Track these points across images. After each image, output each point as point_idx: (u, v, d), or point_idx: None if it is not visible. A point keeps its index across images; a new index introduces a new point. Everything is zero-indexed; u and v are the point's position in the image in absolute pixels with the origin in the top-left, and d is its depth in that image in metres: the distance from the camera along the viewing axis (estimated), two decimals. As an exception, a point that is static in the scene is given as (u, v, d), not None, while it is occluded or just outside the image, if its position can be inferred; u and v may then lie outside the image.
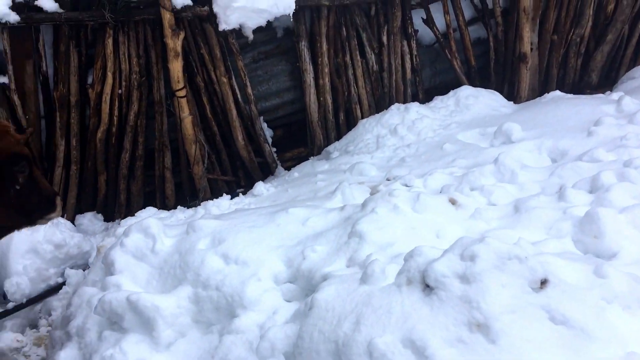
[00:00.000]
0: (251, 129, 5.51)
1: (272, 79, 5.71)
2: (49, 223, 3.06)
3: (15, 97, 4.76)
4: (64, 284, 4.16)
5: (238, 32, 5.08)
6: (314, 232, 3.37)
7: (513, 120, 4.95)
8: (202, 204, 4.53)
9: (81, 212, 5.25)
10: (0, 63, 4.70)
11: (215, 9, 4.69)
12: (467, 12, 6.30)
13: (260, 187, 4.65)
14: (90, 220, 5.11)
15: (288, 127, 6.05)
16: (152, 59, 4.96)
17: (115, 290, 3.23)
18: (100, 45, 4.80)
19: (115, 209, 5.28)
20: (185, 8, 4.73)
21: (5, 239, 4.06)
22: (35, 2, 4.48)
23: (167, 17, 4.64)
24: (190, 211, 4.39)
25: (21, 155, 2.74)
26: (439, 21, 6.18)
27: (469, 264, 2.26)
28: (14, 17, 4.39)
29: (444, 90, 6.10)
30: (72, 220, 5.07)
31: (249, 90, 5.36)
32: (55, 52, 4.81)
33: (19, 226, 3.06)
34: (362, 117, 5.83)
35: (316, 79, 5.61)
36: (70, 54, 4.80)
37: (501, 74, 6.56)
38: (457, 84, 6.24)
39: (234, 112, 5.30)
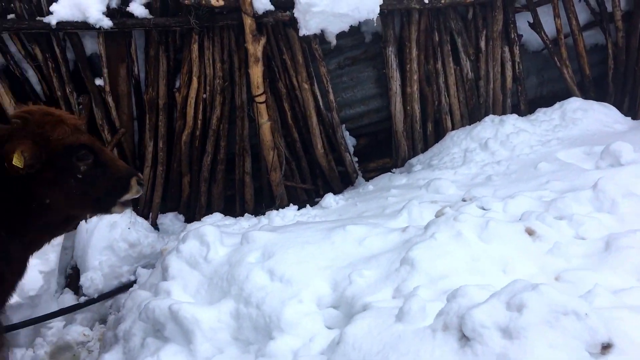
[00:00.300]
0: (332, 137, 5.35)
1: (358, 86, 5.51)
2: (127, 209, 2.98)
3: (110, 99, 5.00)
4: (135, 282, 4.26)
5: (322, 38, 4.94)
6: (369, 254, 3.13)
7: (627, 140, 4.32)
8: (266, 213, 4.45)
9: (165, 211, 5.41)
10: (96, 66, 4.95)
11: (296, 13, 4.58)
12: (582, 16, 5.67)
13: (329, 199, 4.47)
14: (171, 220, 5.24)
15: (374, 136, 5.81)
16: (235, 64, 4.97)
17: (165, 296, 3.22)
18: (186, 50, 4.90)
19: (196, 211, 5.37)
20: (267, 13, 4.67)
21: (86, 234, 4.27)
22: (127, 8, 4.66)
23: (248, 23, 4.62)
24: (255, 220, 4.33)
25: (78, 145, 2.67)
26: (548, 26, 5.61)
27: (514, 315, 1.91)
28: (107, 23, 4.59)
29: (551, 102, 5.53)
30: (156, 219, 5.24)
31: (331, 97, 5.21)
32: (147, 56, 4.98)
33: (91, 213, 3.15)
34: (453, 129, 5.44)
35: (403, 86, 5.32)
36: (160, 59, 4.95)
37: (621, 85, 5.82)
38: (567, 95, 5.63)
39: (315, 119, 5.18)
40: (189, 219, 5.40)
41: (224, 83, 5.02)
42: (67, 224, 2.98)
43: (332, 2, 4.36)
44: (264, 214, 4.95)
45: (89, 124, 5.04)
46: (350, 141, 5.56)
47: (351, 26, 4.85)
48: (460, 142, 5.01)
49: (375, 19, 4.72)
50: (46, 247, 3.82)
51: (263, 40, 4.72)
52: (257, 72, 4.81)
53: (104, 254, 4.28)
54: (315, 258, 3.14)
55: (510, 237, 2.98)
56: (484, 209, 3.47)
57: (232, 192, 5.48)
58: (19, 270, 2.79)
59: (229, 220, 4.47)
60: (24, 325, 3.69)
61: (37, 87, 5.00)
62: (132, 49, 4.94)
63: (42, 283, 3.83)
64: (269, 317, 2.84)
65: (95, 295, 4.14)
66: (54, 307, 3.98)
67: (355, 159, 5.55)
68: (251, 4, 4.54)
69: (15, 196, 2.54)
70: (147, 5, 4.71)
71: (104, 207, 2.87)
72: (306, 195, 5.49)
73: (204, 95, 5.07)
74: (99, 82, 4.96)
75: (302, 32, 4.65)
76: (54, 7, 4.55)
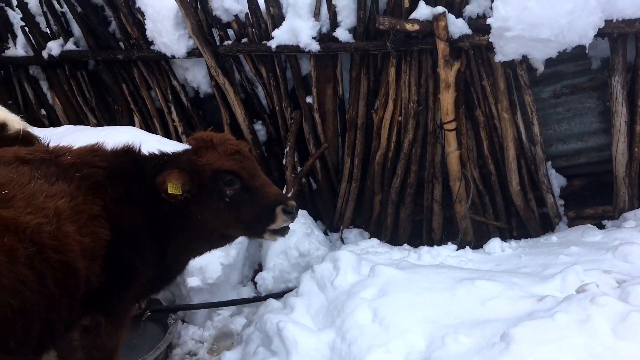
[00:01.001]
0: (534, 173, 4.77)
1: (576, 118, 4.78)
2: (278, 238, 3.04)
3: (317, 116, 5.40)
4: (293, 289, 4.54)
5: (530, 63, 4.44)
6: (485, 318, 2.80)
7: None
8: (418, 248, 4.21)
9: (355, 226, 5.60)
10: (306, 85, 5.40)
11: (491, 38, 4.21)
12: None
13: (493, 244, 4.01)
14: (355, 235, 5.40)
15: (594, 178, 4.96)
16: (430, 89, 4.84)
17: (289, 312, 3.40)
18: (385, 72, 4.96)
19: (382, 231, 5.42)
20: (463, 37, 4.41)
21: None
22: (334, 33, 4.95)
23: (441, 47, 4.43)
24: (406, 253, 4.14)
25: (223, 171, 2.85)
26: None
27: None
28: (315, 47, 4.96)
29: None
30: (342, 232, 5.47)
31: (536, 129, 4.64)
32: (350, 77, 5.22)
33: (244, 236, 3.33)
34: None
35: (631, 123, 4.42)
36: (361, 80, 5.13)
37: None
38: None
39: (512, 152, 4.69)
40: (375, 237, 5.47)
41: (418, 107, 4.93)
42: (226, 240, 3.20)
43: (531, 26, 3.88)
44: (446, 243, 4.74)
45: (298, 136, 5.55)
46: (559, 181, 4.86)
47: (572, 50, 4.24)
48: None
49: (587, 45, 4.02)
50: (230, 246, 4.41)
51: (456, 66, 4.48)
52: (447, 99, 4.60)
53: (279, 258, 4.67)
54: (426, 307, 2.91)
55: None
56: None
57: (420, 218, 5.36)
58: (179, 270, 3.25)
59: (383, 247, 4.39)
60: (199, 307, 4.30)
61: (263, 101, 5.71)
62: (337, 70, 5.23)
63: (220, 274, 4.38)
64: (354, 358, 2.75)
65: (263, 294, 4.55)
66: (231, 297, 4.51)
67: (561, 202, 4.83)
68: (446, 28, 4.36)
69: (178, 212, 2.87)
70: (351, 30, 4.94)
71: (254, 232, 3.03)
72: (499, 233, 5.02)
73: (399, 118, 5.07)
74: (309, 99, 5.40)
75: (498, 58, 4.26)
76: (275, 32, 5.12)
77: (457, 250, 4.18)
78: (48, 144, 3.18)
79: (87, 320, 2.72)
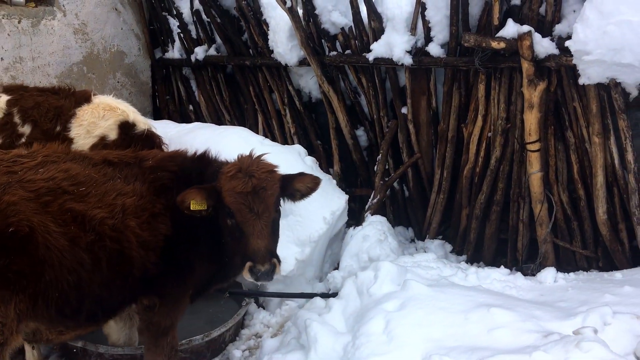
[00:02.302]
0: (626, 203, 4.43)
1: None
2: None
3: (411, 126, 5.57)
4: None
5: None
6: (484, 345, 2.88)
7: None
8: (466, 267, 4.16)
9: (441, 237, 5.66)
10: (403, 96, 5.57)
11: (574, 60, 4.01)
12: None
13: (547, 273, 3.87)
14: (437, 247, 5.47)
15: None
16: (518, 107, 4.72)
17: (326, 312, 3.73)
18: (475, 88, 4.96)
19: (465, 246, 5.42)
20: (549, 57, 4.24)
21: (349, 239, 5.04)
22: (426, 48, 5.06)
23: (526, 67, 4.32)
24: (455, 271, 4.13)
25: (226, 205, 3.10)
26: None
27: None
28: (407, 60, 5.13)
29: None
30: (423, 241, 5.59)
31: (630, 156, 4.30)
32: (443, 91, 5.28)
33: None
34: None
35: None
36: (452, 94, 5.18)
37: None
38: None
39: (600, 178, 4.41)
40: (456, 251, 5.50)
41: (506, 124, 4.85)
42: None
43: (612, 51, 3.65)
44: (521, 269, 4.65)
45: (393, 145, 5.77)
46: (656, 214, 4.44)
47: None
48: None
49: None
50: (304, 242, 4.84)
51: (541, 86, 4.34)
52: (530, 119, 4.47)
53: (352, 260, 4.96)
54: (433, 326, 3.04)
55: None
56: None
57: (506, 237, 5.26)
58: (238, 269, 3.61)
59: (437, 263, 4.40)
60: (268, 295, 4.79)
61: (365, 109, 6.02)
62: (431, 83, 5.33)
63: (294, 268, 4.81)
64: (356, 364, 3.00)
65: (331, 291, 4.88)
66: (304, 290, 4.92)
67: (657, 236, 4.41)
68: (530, 47, 4.25)
69: (211, 222, 3.26)
70: (444, 45, 5.01)
71: (238, 262, 3.20)
72: (585, 262, 4.75)
73: (489, 134, 5.02)
74: (404, 110, 5.58)
75: (582, 80, 4.05)
76: (373, 45, 5.39)
77: (510, 274, 4.09)
78: (136, 149, 3.66)
79: (146, 300, 3.29)
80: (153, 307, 3.32)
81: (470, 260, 5.36)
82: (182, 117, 7.99)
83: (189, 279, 3.38)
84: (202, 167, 3.41)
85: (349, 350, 3.14)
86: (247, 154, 3.34)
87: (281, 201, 3.39)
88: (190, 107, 7.97)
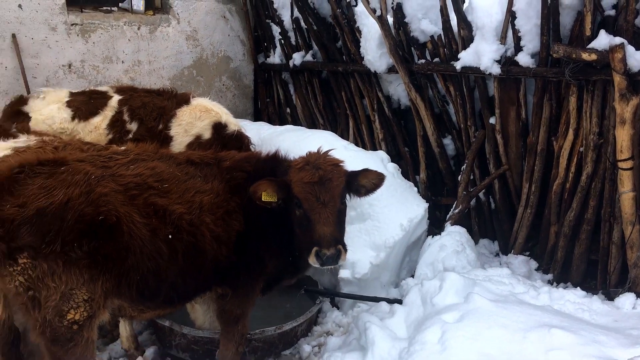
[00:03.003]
0: None
1: None
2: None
3: (499, 137, 5.45)
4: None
5: None
6: None
7: None
8: (541, 287, 3.97)
9: (527, 254, 5.48)
10: (492, 106, 5.46)
11: (669, 74, 3.74)
12: None
13: (625, 299, 3.63)
14: (520, 263, 5.29)
15: None
16: (610, 122, 4.47)
17: (389, 317, 3.82)
18: (566, 100, 4.76)
19: (552, 264, 5.21)
20: (645, 70, 3.99)
21: (427, 247, 5.09)
22: (515, 57, 4.93)
23: (617, 80, 4.08)
24: (527, 288, 3.97)
25: (294, 195, 3.30)
26: None
27: None
28: (495, 70, 5.03)
29: None
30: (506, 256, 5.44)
31: None
32: (533, 102, 5.11)
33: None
34: None
35: None
36: (543, 106, 5.00)
37: None
38: None
39: (700, 203, 4.06)
40: (544, 269, 5.30)
41: (598, 139, 4.61)
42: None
43: None
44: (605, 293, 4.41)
45: (480, 155, 5.67)
46: None
47: None
48: None
49: None
50: (379, 247, 4.93)
51: (634, 101, 4.08)
52: (622, 135, 4.22)
53: (427, 268, 4.95)
54: (489, 342, 3.02)
55: None
56: None
57: (596, 257, 4.98)
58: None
59: (511, 279, 4.22)
60: (341, 296, 4.92)
61: (453, 118, 5.97)
62: (520, 94, 5.18)
63: (368, 271, 4.91)
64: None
65: (395, 297, 4.90)
66: (378, 294, 5.01)
67: None
68: (622, 60, 4.02)
69: (280, 219, 3.51)
70: (534, 55, 4.86)
71: (305, 251, 3.33)
72: (684, 291, 4.39)
73: (580, 149, 4.80)
74: (492, 120, 5.48)
75: (679, 96, 3.77)
76: (461, 54, 5.35)
77: (585, 297, 3.88)
78: (217, 150, 3.95)
79: (220, 290, 3.58)
80: (225, 296, 3.61)
81: (557, 280, 5.14)
82: (280, 119, 8.37)
83: (259, 272, 3.62)
84: (274, 166, 3.62)
85: (403, 356, 3.20)
86: (315, 150, 3.54)
87: (347, 196, 3.53)
88: (288, 110, 8.32)
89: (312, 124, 7.76)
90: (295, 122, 8.08)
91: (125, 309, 3.21)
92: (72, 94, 5.24)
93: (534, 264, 5.31)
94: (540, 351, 2.85)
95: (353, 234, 5.03)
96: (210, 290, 3.60)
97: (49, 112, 5.06)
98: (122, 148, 3.46)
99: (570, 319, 3.31)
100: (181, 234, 3.16)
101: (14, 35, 6.24)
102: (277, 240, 3.59)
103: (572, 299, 3.76)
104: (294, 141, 5.85)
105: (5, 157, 3.39)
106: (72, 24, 6.75)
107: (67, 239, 2.80)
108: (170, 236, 3.11)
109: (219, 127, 5.22)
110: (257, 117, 8.76)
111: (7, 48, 6.26)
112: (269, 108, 8.60)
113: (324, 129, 6.98)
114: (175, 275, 3.18)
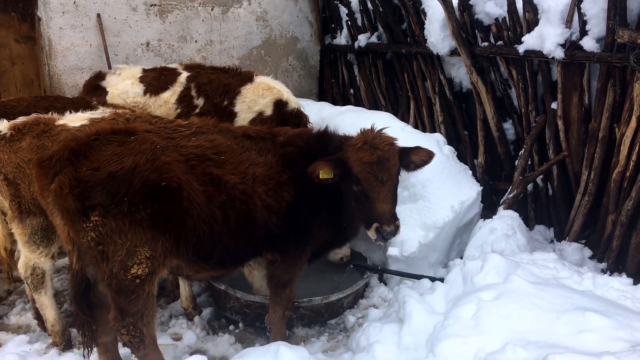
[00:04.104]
0: None
1: None
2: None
3: (560, 122, 5.37)
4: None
5: None
6: (565, 345, 2.87)
7: None
8: (590, 275, 3.89)
9: (583, 242, 5.39)
10: (554, 91, 5.36)
11: None
12: None
13: None
14: (574, 250, 5.23)
15: None
16: (676, 110, 4.31)
17: (429, 293, 3.95)
18: (630, 87, 4.62)
19: (607, 253, 5.11)
20: None
21: (477, 230, 5.14)
22: (580, 42, 4.82)
23: (684, 66, 3.94)
24: (571, 273, 3.93)
25: (353, 173, 3.49)
26: None
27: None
28: (558, 54, 4.94)
29: None
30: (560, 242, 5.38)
31: None
32: (597, 88, 4.99)
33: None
34: None
35: None
36: (606, 92, 4.87)
37: None
38: None
39: None
40: (598, 258, 5.21)
41: (662, 128, 4.46)
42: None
43: None
44: None
45: (540, 141, 5.61)
46: None
47: None
48: None
49: None
50: (429, 227, 5.03)
51: (701, 88, 3.93)
52: (686, 123, 4.07)
53: (476, 250, 5.00)
54: (522, 319, 3.11)
55: None
56: None
57: (655, 249, 4.85)
58: (353, 233, 4.02)
59: (557, 264, 4.16)
60: (387, 272, 5.07)
61: (515, 102, 5.91)
62: (584, 79, 5.07)
63: (416, 250, 5.02)
64: (439, 339, 3.20)
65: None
66: (426, 273, 5.10)
67: None
68: (690, 45, 3.87)
69: (338, 189, 3.69)
70: (599, 40, 4.74)
71: (365, 225, 3.55)
72: None
73: (644, 137, 4.66)
74: (554, 105, 5.39)
75: None
76: (525, 37, 5.28)
77: (631, 285, 3.81)
78: (271, 126, 4.21)
79: (270, 255, 3.84)
80: (275, 262, 3.86)
81: (611, 270, 5.05)
82: (344, 100, 8.53)
83: (306, 241, 3.84)
84: (325, 142, 3.79)
85: (437, 329, 3.33)
86: (369, 127, 3.65)
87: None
88: (351, 91, 8.45)
89: (375, 106, 7.87)
90: (358, 103, 8.21)
91: (182, 268, 3.53)
92: (144, 71, 5.65)
93: (587, 252, 5.23)
94: (572, 332, 2.90)
95: (404, 214, 5.15)
96: (261, 255, 3.86)
97: (124, 87, 5.48)
98: (186, 121, 3.75)
99: (610, 304, 3.30)
100: (234, 202, 3.42)
101: (98, 15, 6.73)
102: (325, 212, 3.78)
103: (616, 285, 3.72)
104: (353, 121, 5.98)
105: (83, 126, 3.78)
106: (151, 5, 7.18)
107: (133, 201, 3.13)
108: (224, 203, 3.37)
109: (280, 105, 5.47)
110: (321, 97, 8.95)
111: (92, 27, 6.78)
112: (333, 89, 8.77)
113: (386, 111, 7.06)
114: (228, 239, 3.45)
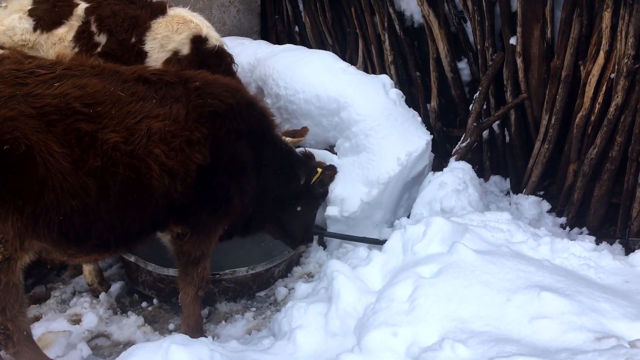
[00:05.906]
0: None
1: None
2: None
3: (519, 60, 4.75)
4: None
5: None
6: (515, 336, 2.34)
7: None
8: (547, 239, 3.36)
9: (542, 194, 4.89)
10: (514, 24, 4.69)
11: None
12: None
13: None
14: (531, 204, 4.73)
15: None
16: (651, 43, 3.72)
17: (365, 264, 3.39)
18: (598, 17, 3.99)
19: (567, 207, 4.62)
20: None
21: (427, 185, 4.56)
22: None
23: (663, -10, 3.31)
24: (527, 237, 3.40)
25: None
26: None
27: None
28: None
29: None
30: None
31: None
32: (560, 19, 4.34)
33: None
34: None
35: None
36: (572, 23, 4.24)
37: None
38: None
39: None
40: (557, 212, 4.73)
41: (633, 65, 3.87)
42: None
43: None
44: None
45: (496, 82, 4.99)
46: None
47: None
48: None
49: None
50: (372, 183, 4.43)
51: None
52: (662, 59, 3.48)
53: (424, 208, 4.43)
54: (465, 302, 2.58)
55: None
56: None
57: (618, 201, 4.37)
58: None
59: (511, 225, 3.58)
60: (328, 235, 4.49)
61: (471, 38, 5.23)
62: (547, 9, 4.41)
63: (357, 209, 4.43)
64: (366, 328, 2.64)
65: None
66: (369, 234, 4.54)
67: None
68: (672, -37, 3.23)
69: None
70: (565, -40, 4.05)
71: None
72: None
73: (611, 75, 4.08)
74: (512, 40, 4.75)
75: None
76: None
77: (593, 251, 3.29)
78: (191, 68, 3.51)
79: (177, 228, 3.16)
80: (183, 236, 3.21)
81: (571, 224, 4.60)
82: (289, 38, 7.68)
83: (224, 213, 3.20)
84: (263, 119, 3.37)
85: (367, 313, 2.77)
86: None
87: None
88: (297, 29, 7.62)
89: (321, 45, 7.08)
90: (304, 42, 7.39)
91: (50, 252, 2.81)
92: (35, 2, 4.69)
93: (546, 206, 4.75)
94: (524, 318, 2.37)
95: (346, 168, 4.55)
96: (166, 228, 3.19)
97: (10, 22, 4.54)
98: (51, 61, 2.93)
99: (570, 278, 2.78)
100: (115, 168, 2.70)
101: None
102: (254, 184, 3.17)
103: (577, 252, 3.18)
104: (290, 62, 5.27)
105: None
106: None
107: (-38, 172, 2.38)
108: (99, 170, 2.65)
109: (198, 41, 4.62)
110: (264, 35, 8.07)
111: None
112: (277, 26, 7.89)
113: (332, 50, 6.31)
114: (110, 216, 2.75)
